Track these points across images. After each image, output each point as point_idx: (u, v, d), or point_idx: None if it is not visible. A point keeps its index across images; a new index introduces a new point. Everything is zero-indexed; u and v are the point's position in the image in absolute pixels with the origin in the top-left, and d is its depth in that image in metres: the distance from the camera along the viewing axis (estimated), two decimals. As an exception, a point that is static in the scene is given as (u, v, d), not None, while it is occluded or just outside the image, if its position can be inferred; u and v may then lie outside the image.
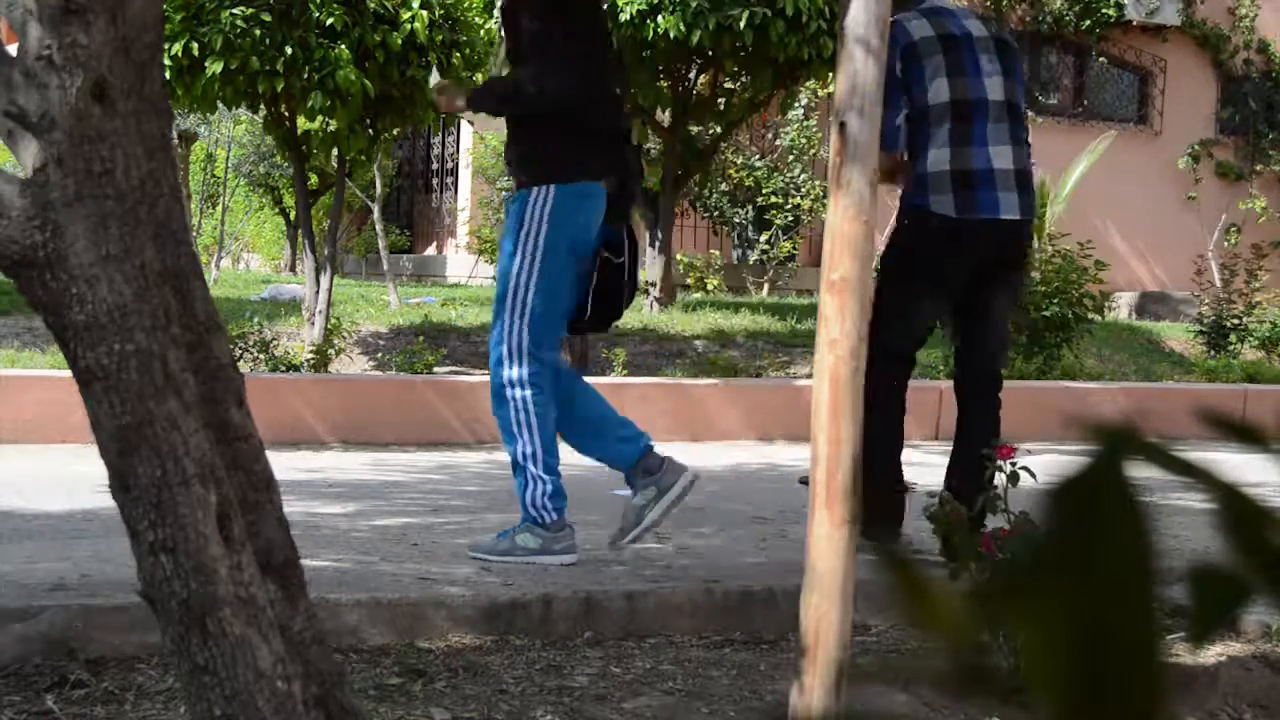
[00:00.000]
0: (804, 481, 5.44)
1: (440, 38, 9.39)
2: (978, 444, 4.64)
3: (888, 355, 4.60)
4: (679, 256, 15.55)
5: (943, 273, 4.72)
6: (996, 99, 4.79)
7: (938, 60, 4.73)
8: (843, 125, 2.37)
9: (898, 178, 4.82)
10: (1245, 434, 0.55)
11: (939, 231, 4.67)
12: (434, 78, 5.40)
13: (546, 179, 4.37)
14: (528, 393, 4.38)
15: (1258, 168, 18.75)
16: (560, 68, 4.32)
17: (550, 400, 4.43)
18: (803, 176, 16.50)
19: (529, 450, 4.40)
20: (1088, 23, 17.70)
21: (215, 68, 8.73)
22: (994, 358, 4.88)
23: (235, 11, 8.72)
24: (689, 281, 15.80)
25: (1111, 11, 17.62)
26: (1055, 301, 10.37)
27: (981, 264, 4.74)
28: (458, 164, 19.42)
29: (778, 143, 16.59)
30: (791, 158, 16.52)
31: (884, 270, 4.83)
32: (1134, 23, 17.89)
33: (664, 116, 12.92)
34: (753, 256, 16.56)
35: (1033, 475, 3.11)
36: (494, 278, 18.55)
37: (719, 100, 12.73)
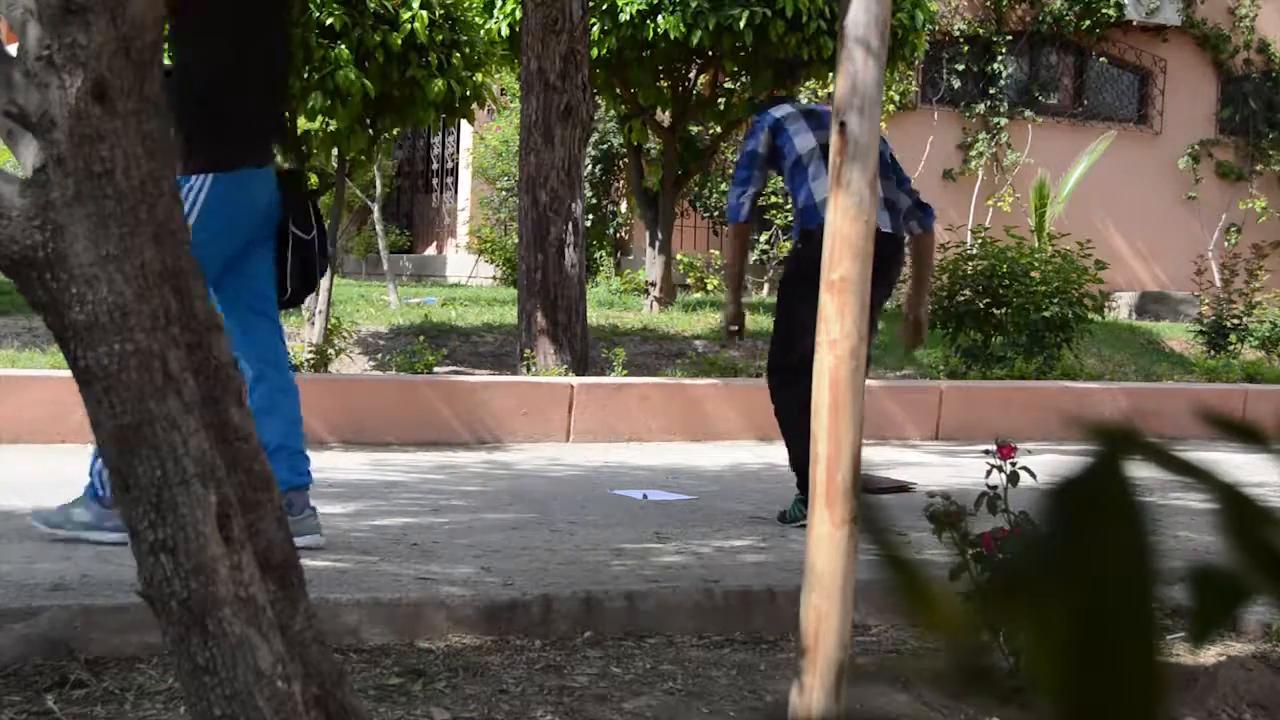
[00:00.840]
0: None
1: (440, 38, 9.39)
2: None
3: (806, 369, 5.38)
4: (679, 256, 15.56)
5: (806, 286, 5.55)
6: None
7: (799, 123, 5.80)
8: (843, 125, 2.37)
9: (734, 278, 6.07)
10: (1246, 434, 0.55)
11: (809, 244, 5.52)
12: None
13: (204, 168, 4.42)
14: None
15: (1258, 168, 18.75)
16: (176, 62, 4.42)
17: None
18: (803, 176, 16.49)
19: None
20: (1088, 23, 17.69)
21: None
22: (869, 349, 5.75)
23: (235, 11, 8.71)
24: (689, 281, 15.80)
25: (1111, 11, 17.61)
26: (1055, 301, 10.37)
27: None
28: (458, 164, 19.43)
29: (778, 143, 16.58)
30: (791, 158, 16.52)
31: (787, 294, 5.73)
32: (1134, 23, 17.89)
33: (664, 117, 12.93)
34: (753, 256, 16.57)
35: (1033, 475, 3.11)
36: (495, 278, 18.46)
37: (719, 100, 12.74)
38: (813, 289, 5.83)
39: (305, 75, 8.88)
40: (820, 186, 5.75)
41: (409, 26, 9.14)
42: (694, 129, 14.07)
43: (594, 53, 11.04)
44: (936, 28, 16.01)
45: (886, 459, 7.79)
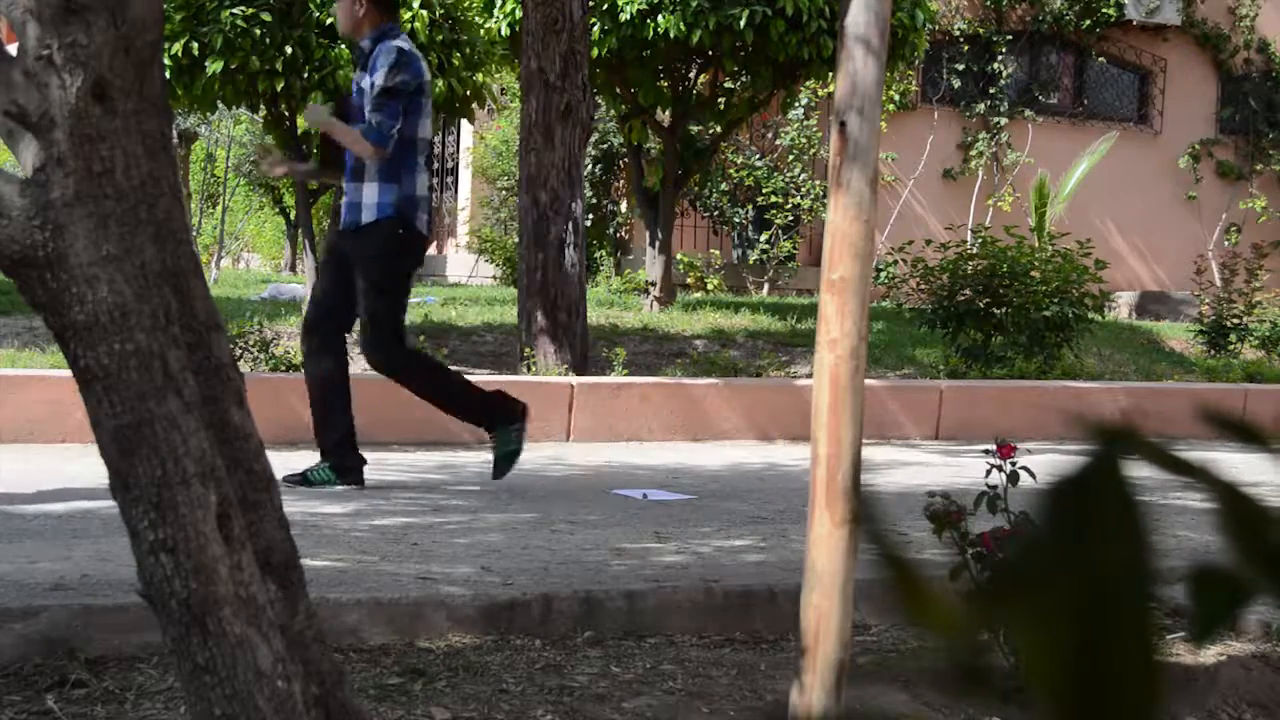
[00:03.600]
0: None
1: (440, 37, 9.39)
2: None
3: (400, 338, 6.13)
4: (679, 256, 15.55)
5: (409, 276, 6.17)
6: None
7: (428, 103, 6.00)
8: (843, 125, 2.37)
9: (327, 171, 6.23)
10: (1246, 433, 0.55)
11: (418, 244, 6.03)
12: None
13: None
14: None
15: (1258, 167, 18.75)
16: None
17: None
18: (803, 176, 16.50)
19: None
20: (1088, 22, 17.69)
21: (215, 67, 8.74)
22: (352, 320, 6.21)
23: (235, 11, 8.73)
24: (689, 281, 15.80)
25: (1111, 11, 17.61)
26: (1055, 301, 10.37)
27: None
28: (458, 163, 19.43)
29: (778, 142, 16.59)
30: (791, 158, 16.53)
31: (381, 275, 5.98)
32: (1134, 22, 17.89)
33: (664, 116, 12.93)
34: (753, 256, 16.57)
35: (1033, 475, 3.11)
36: (495, 278, 18.51)
37: (719, 100, 12.74)
38: (398, 281, 6.06)
39: (305, 75, 8.88)
40: (423, 181, 6.03)
41: (409, 26, 9.14)
42: (694, 129, 14.07)
43: (594, 53, 11.03)
44: (936, 27, 16.01)
45: (887, 458, 7.79)
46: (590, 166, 15.69)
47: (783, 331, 11.19)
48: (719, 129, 13.24)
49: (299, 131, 9.70)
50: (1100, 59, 18.15)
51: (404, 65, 5.87)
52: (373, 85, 5.88)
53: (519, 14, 10.44)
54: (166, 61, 7.15)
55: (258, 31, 8.69)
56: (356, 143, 5.85)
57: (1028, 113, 17.66)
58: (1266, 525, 0.52)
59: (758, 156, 16.52)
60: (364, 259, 5.97)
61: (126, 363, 1.85)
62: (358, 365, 9.54)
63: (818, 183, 16.35)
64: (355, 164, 5.95)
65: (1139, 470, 0.52)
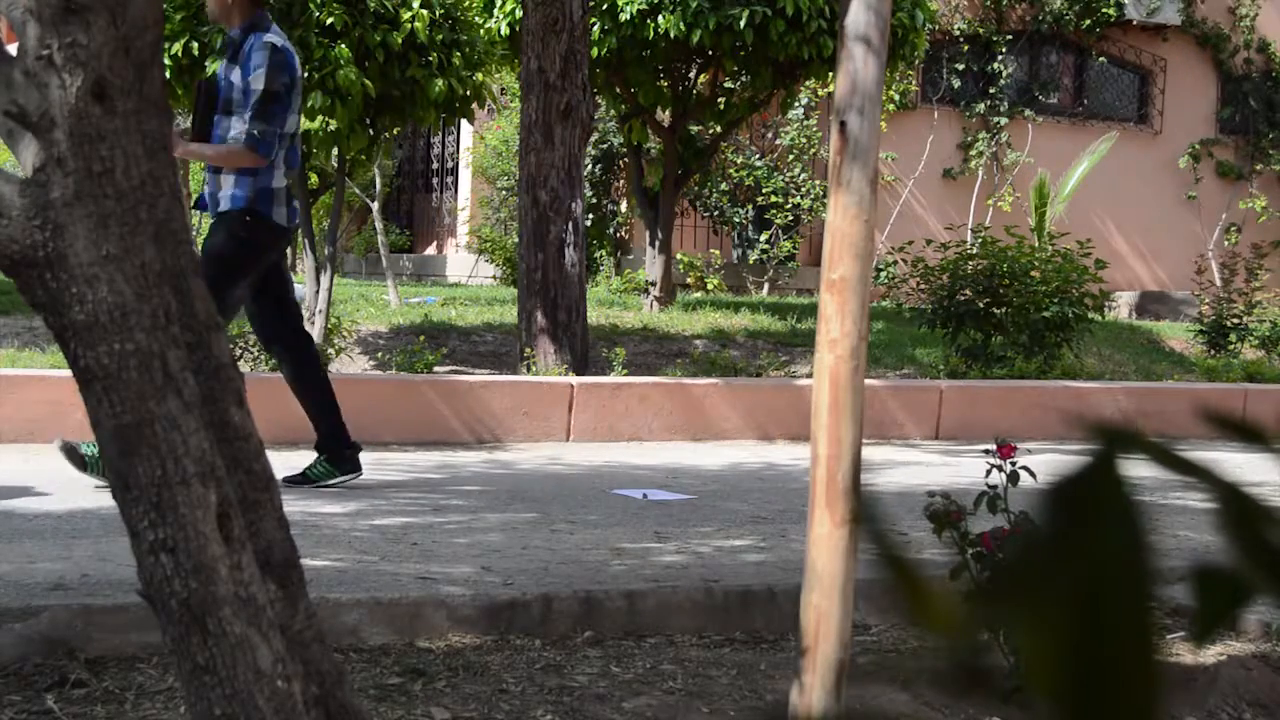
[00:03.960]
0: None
1: (440, 37, 9.39)
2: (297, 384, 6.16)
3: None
4: (679, 256, 15.55)
5: (260, 265, 5.95)
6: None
7: (299, 99, 6.01)
8: (843, 125, 2.37)
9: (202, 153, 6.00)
10: (1247, 432, 0.55)
11: (272, 235, 5.91)
12: None
13: None
14: None
15: (1258, 167, 18.75)
16: None
17: None
18: (803, 176, 16.50)
19: None
20: (1088, 22, 17.69)
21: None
22: (297, 317, 6.19)
23: (235, 11, 8.71)
24: (689, 281, 15.80)
25: (1111, 11, 17.61)
26: (1055, 301, 10.37)
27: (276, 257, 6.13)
28: (458, 163, 19.43)
29: (778, 142, 16.59)
30: (791, 157, 16.53)
31: (220, 256, 5.83)
32: (1134, 22, 17.89)
33: (664, 116, 12.93)
34: (753, 256, 16.57)
35: (1033, 475, 3.11)
36: (495, 278, 18.51)
37: (719, 100, 12.74)
38: (237, 268, 5.89)
39: (305, 75, 8.88)
40: (280, 175, 5.96)
41: (409, 26, 9.14)
42: (694, 129, 14.08)
43: (594, 52, 11.04)
44: (936, 27, 16.02)
45: (886, 458, 7.79)
46: (590, 166, 15.70)
47: (783, 331, 11.19)
48: (719, 129, 13.24)
49: (299, 131, 9.70)
50: (1100, 59, 18.15)
51: (282, 65, 5.84)
52: (248, 85, 5.81)
53: (519, 14, 10.44)
54: (166, 61, 7.15)
55: (258, 31, 8.69)
56: (234, 158, 5.80)
57: (1028, 113, 17.66)
58: (1268, 525, 0.52)
59: (758, 156, 16.51)
60: (215, 239, 5.92)
61: (126, 363, 1.85)
62: (357, 366, 9.54)
63: (818, 183, 16.35)
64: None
65: (1138, 470, 0.52)
